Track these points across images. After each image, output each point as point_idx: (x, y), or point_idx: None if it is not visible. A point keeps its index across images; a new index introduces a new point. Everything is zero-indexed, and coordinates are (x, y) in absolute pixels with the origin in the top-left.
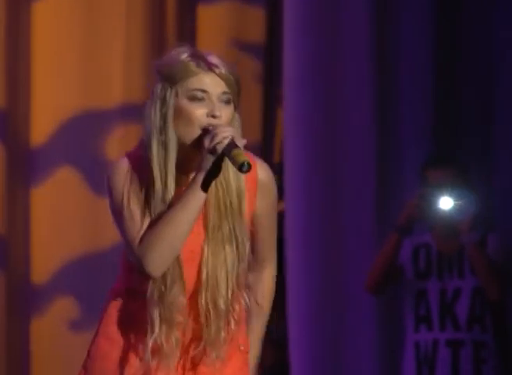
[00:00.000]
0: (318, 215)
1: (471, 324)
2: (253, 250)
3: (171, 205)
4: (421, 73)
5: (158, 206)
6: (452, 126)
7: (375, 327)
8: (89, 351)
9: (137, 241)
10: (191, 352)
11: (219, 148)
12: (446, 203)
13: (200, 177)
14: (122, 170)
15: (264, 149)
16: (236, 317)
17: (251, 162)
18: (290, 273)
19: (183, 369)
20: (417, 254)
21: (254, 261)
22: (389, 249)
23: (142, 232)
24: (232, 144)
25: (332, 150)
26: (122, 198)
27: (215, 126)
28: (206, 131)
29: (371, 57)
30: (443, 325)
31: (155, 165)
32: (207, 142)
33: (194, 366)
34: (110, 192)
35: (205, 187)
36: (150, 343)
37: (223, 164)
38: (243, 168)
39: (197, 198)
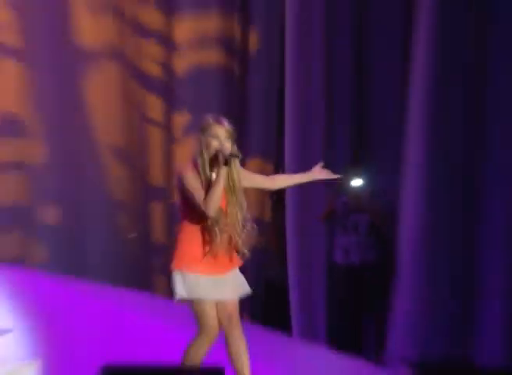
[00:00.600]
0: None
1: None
2: (259, 181)
3: (211, 185)
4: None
5: (205, 186)
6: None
7: None
8: (176, 257)
9: (202, 201)
10: (227, 248)
11: (227, 154)
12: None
13: (222, 172)
14: (191, 171)
15: None
16: (241, 236)
17: (237, 158)
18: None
19: (225, 255)
20: (344, 205)
21: (265, 179)
22: (331, 206)
23: (203, 197)
24: (231, 153)
25: None
26: (193, 183)
27: (222, 149)
28: (219, 151)
29: None
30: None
31: (201, 168)
32: (220, 155)
33: (228, 254)
34: (185, 180)
35: (222, 176)
36: (217, 242)
37: (232, 164)
38: (236, 155)
39: (222, 180)
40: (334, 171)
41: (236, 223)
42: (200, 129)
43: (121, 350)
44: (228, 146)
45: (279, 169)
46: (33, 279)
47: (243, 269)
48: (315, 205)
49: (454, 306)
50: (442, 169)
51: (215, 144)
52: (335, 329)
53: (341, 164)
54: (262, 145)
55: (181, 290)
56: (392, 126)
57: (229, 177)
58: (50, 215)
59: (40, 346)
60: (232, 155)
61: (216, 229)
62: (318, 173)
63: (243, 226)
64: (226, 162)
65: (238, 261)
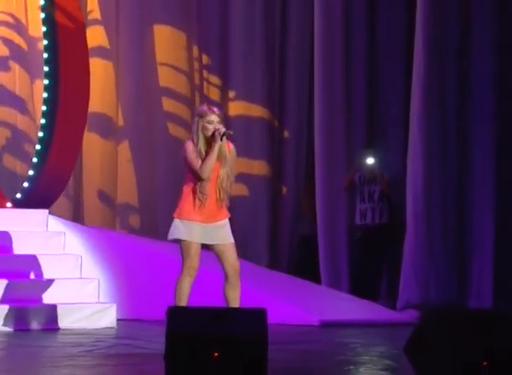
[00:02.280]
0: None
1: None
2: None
3: (207, 155)
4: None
5: (201, 157)
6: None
7: None
8: (177, 208)
9: (198, 167)
10: (214, 202)
11: (221, 132)
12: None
13: (215, 146)
14: (191, 145)
15: None
16: (226, 194)
17: (228, 141)
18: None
19: (212, 209)
20: (360, 178)
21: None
22: (350, 178)
23: (199, 165)
24: (224, 132)
25: None
26: (191, 153)
27: (217, 129)
28: (214, 132)
29: None
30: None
31: (198, 143)
32: (216, 132)
33: (217, 207)
34: (186, 151)
35: (216, 148)
36: (205, 198)
37: (222, 140)
38: (228, 133)
39: (216, 151)
40: (353, 152)
41: (224, 183)
42: (197, 115)
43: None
44: (221, 127)
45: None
46: (116, 238)
47: (282, 230)
48: (339, 178)
49: (450, 258)
50: (437, 151)
51: (210, 127)
52: (356, 279)
53: (359, 146)
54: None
55: (178, 233)
56: (398, 116)
57: (221, 150)
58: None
59: (120, 291)
60: (225, 133)
61: (206, 188)
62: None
63: (229, 186)
64: (221, 139)
65: (226, 214)
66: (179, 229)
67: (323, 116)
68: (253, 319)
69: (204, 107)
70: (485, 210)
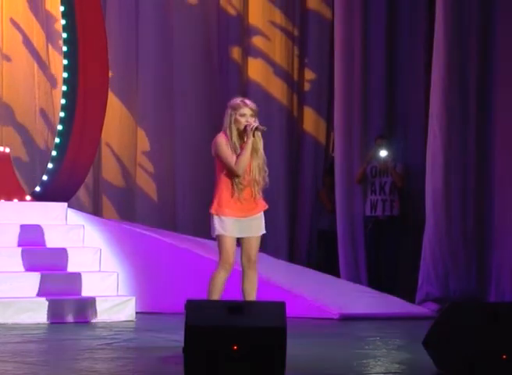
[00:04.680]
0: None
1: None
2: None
3: (241, 150)
4: None
5: (235, 152)
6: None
7: None
8: (213, 204)
9: (233, 164)
10: (250, 196)
11: (253, 128)
12: (383, 152)
13: (248, 141)
14: (224, 139)
15: None
16: (261, 186)
17: (262, 132)
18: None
19: (248, 202)
20: (371, 169)
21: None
22: (363, 169)
23: (234, 161)
24: (257, 127)
25: None
26: (225, 149)
27: (249, 124)
28: (248, 126)
29: None
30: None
31: (230, 137)
32: (248, 127)
33: (251, 201)
34: (220, 147)
35: (250, 144)
36: (241, 192)
37: (255, 135)
38: (261, 129)
39: (250, 146)
40: (368, 144)
41: (258, 175)
42: (230, 108)
43: (199, 288)
44: (254, 122)
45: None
46: (135, 231)
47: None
48: (357, 171)
49: (470, 250)
50: (457, 142)
51: (242, 120)
52: (373, 271)
53: (372, 138)
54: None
55: (216, 229)
56: (417, 108)
57: (254, 145)
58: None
59: (139, 285)
60: (258, 129)
61: (242, 183)
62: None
63: (262, 181)
64: (254, 134)
65: (262, 206)
66: (217, 225)
67: (342, 110)
68: (272, 312)
69: (238, 100)
70: (506, 202)
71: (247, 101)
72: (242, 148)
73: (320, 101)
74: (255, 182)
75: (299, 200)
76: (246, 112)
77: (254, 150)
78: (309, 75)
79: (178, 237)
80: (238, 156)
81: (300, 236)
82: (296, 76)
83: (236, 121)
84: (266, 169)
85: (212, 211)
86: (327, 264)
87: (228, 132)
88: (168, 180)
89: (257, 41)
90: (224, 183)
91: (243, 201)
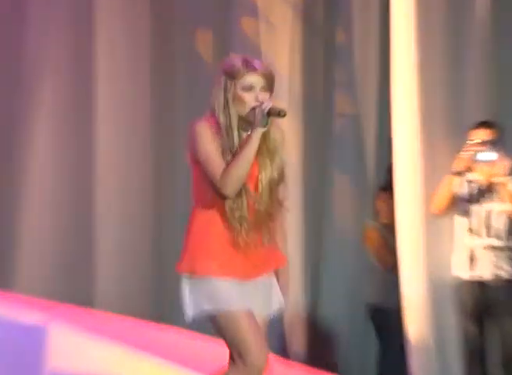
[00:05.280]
0: None
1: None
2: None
3: (238, 152)
4: None
5: (227, 153)
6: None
7: None
8: (186, 256)
9: (218, 175)
10: (255, 235)
11: (265, 110)
12: (486, 154)
13: (255, 133)
14: (208, 130)
15: None
16: (274, 220)
17: (282, 117)
18: None
19: (252, 250)
20: (468, 187)
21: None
22: (448, 186)
23: (221, 169)
24: (272, 108)
25: None
26: (210, 149)
27: (259, 104)
28: (254, 108)
29: None
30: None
31: (224, 128)
32: (258, 110)
33: (259, 249)
34: (201, 144)
35: (256, 139)
36: (242, 233)
37: (268, 123)
38: (281, 113)
39: (255, 145)
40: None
41: (271, 202)
42: (224, 74)
43: None
44: (266, 99)
45: None
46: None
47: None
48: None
49: None
50: None
51: (247, 98)
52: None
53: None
54: None
55: (195, 302)
56: None
57: (266, 144)
58: None
59: None
60: (275, 112)
61: (242, 213)
62: None
63: (280, 206)
64: (267, 122)
65: (277, 259)
66: (203, 296)
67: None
68: None
69: (238, 60)
70: None
71: (256, 63)
72: (241, 146)
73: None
74: (266, 214)
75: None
76: (254, 82)
77: (267, 152)
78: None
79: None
80: (230, 162)
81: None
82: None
83: (237, 98)
84: (286, 189)
85: (184, 269)
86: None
87: (222, 118)
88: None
89: None
90: (209, 215)
91: (245, 249)
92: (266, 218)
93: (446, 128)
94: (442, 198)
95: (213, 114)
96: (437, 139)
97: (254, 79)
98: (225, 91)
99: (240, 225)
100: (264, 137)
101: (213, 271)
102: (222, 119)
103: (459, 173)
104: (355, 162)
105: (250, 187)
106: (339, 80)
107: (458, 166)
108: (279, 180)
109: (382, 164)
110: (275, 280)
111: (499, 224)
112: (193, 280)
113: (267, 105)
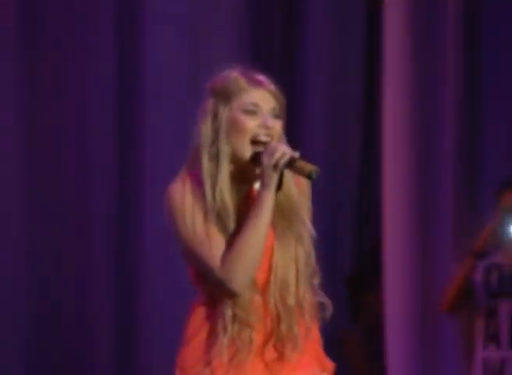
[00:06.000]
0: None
1: None
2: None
3: (242, 226)
4: None
5: (213, 220)
6: None
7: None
8: (177, 363)
9: (217, 264)
10: (267, 349)
11: (282, 163)
12: None
13: (267, 195)
14: (181, 193)
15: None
16: (308, 312)
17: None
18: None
19: (265, 362)
20: (489, 274)
21: None
22: (465, 272)
23: (219, 255)
24: (292, 158)
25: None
26: (191, 218)
27: (269, 143)
28: (255, 143)
29: None
30: None
31: (206, 178)
32: (266, 158)
33: (275, 359)
34: (174, 219)
35: (271, 202)
36: (225, 341)
37: (284, 177)
38: (312, 175)
39: (267, 216)
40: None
41: (291, 289)
42: (215, 95)
43: None
44: (279, 128)
45: None
46: None
47: None
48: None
49: None
50: None
51: (250, 123)
52: None
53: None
54: None
55: None
56: None
57: (281, 199)
58: None
59: None
60: (299, 170)
61: (246, 314)
62: None
63: (306, 295)
64: (281, 182)
65: (303, 368)
66: None
67: None
68: None
69: (235, 73)
70: None
71: (261, 77)
72: (250, 215)
73: None
74: (287, 312)
75: None
76: (261, 101)
77: (282, 219)
78: None
79: None
80: (233, 240)
81: None
82: None
83: (233, 126)
84: (316, 270)
85: None
86: None
87: (204, 163)
88: None
89: None
90: (201, 315)
91: (251, 358)
92: (289, 319)
93: None
94: (454, 290)
95: (193, 165)
96: None
97: (260, 95)
98: (215, 119)
99: (234, 321)
100: (279, 204)
101: None
102: (205, 164)
103: (478, 255)
104: None
105: (258, 275)
106: None
107: (480, 243)
108: (305, 264)
109: None
110: None
111: None
112: None
113: (286, 151)
